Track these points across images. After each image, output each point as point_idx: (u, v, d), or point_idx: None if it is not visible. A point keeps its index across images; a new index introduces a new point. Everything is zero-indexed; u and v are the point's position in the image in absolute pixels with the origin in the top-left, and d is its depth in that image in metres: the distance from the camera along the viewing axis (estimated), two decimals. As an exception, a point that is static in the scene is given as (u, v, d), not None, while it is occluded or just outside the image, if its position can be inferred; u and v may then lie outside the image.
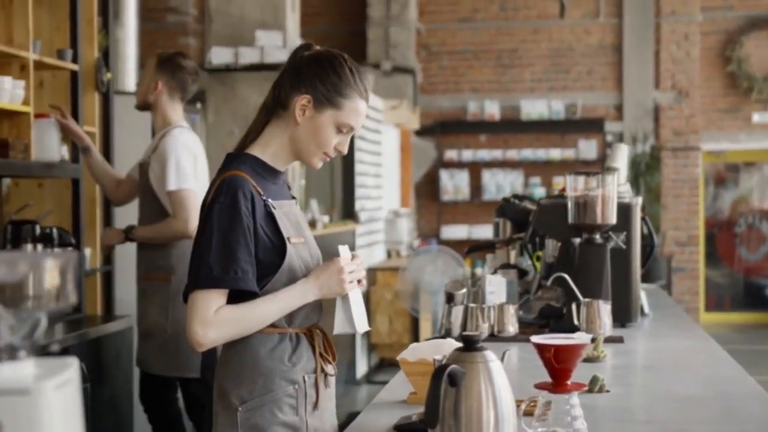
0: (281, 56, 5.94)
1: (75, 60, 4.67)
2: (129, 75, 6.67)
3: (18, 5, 4.29)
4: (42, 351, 1.02)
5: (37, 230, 4.30)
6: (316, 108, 2.29)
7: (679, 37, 11.57)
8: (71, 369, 1.01)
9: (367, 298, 8.34)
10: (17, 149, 4.21)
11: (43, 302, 0.99)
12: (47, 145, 4.41)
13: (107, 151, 5.15)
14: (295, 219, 2.35)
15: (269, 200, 2.28)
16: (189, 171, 4.29)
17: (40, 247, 4.26)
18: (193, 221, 4.16)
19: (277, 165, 2.36)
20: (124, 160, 5.24)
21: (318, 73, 2.29)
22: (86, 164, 4.62)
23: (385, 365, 8.72)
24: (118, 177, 4.64)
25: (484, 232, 11.31)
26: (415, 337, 8.37)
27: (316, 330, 2.37)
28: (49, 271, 0.99)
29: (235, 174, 2.26)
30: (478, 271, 9.73)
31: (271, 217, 2.26)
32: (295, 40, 6.21)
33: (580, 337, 2.03)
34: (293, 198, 2.44)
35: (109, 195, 4.71)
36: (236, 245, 2.20)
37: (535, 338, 2.01)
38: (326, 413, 2.37)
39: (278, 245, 2.26)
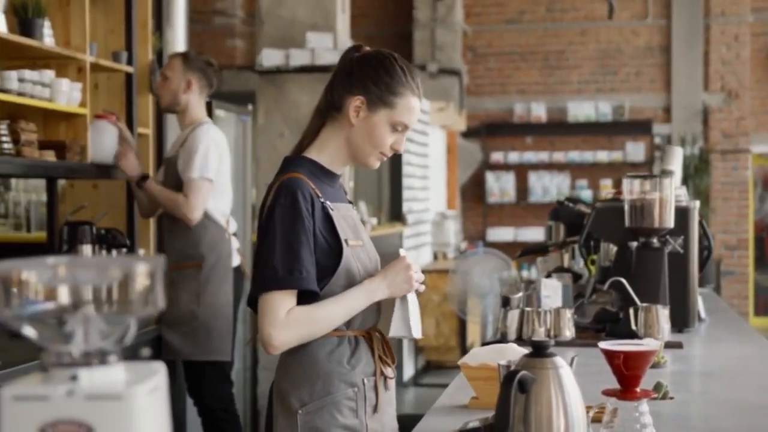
0: (332, 58, 5.95)
1: (130, 62, 4.71)
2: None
3: (75, 8, 4.33)
4: (131, 356, 1.02)
5: (93, 231, 4.33)
6: (370, 108, 2.29)
7: (728, 39, 11.45)
8: (160, 374, 1.01)
9: (414, 300, 8.33)
10: (74, 151, 4.25)
11: (133, 307, 0.99)
12: (102, 146, 4.44)
13: (160, 153, 5.18)
14: (353, 222, 2.36)
15: (327, 202, 2.28)
16: (213, 164, 4.39)
17: (95, 248, 4.29)
18: (198, 210, 4.34)
19: (334, 168, 2.36)
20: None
21: (369, 73, 2.30)
22: (144, 194, 4.55)
23: (431, 368, 8.70)
24: None
25: (530, 234, 11.25)
26: (463, 340, 8.34)
27: (375, 333, 2.37)
28: (138, 276, 0.99)
29: (294, 176, 2.26)
30: (525, 274, 9.69)
31: (328, 219, 2.26)
32: (346, 42, 6.22)
33: (648, 343, 2.01)
34: (350, 202, 2.45)
35: (143, 209, 4.70)
36: (299, 246, 2.21)
37: (603, 344, 1.98)
38: (386, 416, 2.36)
39: (335, 247, 2.26)
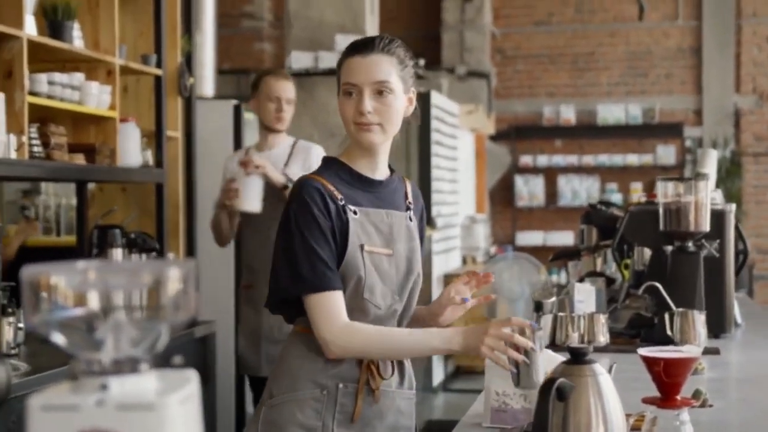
0: (361, 61, 5.92)
1: (159, 65, 4.70)
2: (207, 80, 6.70)
3: (104, 11, 4.32)
4: (163, 364, 0.98)
5: (123, 235, 4.32)
6: (340, 95, 2.30)
7: (760, 40, 11.33)
8: (192, 383, 0.97)
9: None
10: (103, 154, 4.24)
11: (165, 313, 0.96)
12: (131, 149, 4.44)
13: (189, 155, 5.17)
14: (388, 229, 2.32)
15: (349, 206, 2.27)
16: None
17: (125, 252, 4.28)
18: None
19: (363, 170, 2.34)
20: (205, 163, 5.26)
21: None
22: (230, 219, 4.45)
23: (461, 373, 8.65)
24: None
25: (559, 238, 11.18)
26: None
27: None
28: (170, 281, 0.96)
29: (308, 178, 2.29)
30: (555, 278, 9.62)
31: (343, 222, 2.25)
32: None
33: (689, 350, 1.96)
34: (407, 209, 2.41)
35: (225, 236, 4.43)
36: (319, 247, 2.21)
37: (643, 351, 1.93)
38: (368, 429, 2.29)
39: (343, 250, 2.25)
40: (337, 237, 2.24)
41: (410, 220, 2.40)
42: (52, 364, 3.22)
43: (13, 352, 3.48)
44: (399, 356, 2.27)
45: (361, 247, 2.25)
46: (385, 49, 2.28)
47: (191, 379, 0.98)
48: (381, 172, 2.37)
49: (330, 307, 2.19)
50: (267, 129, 4.39)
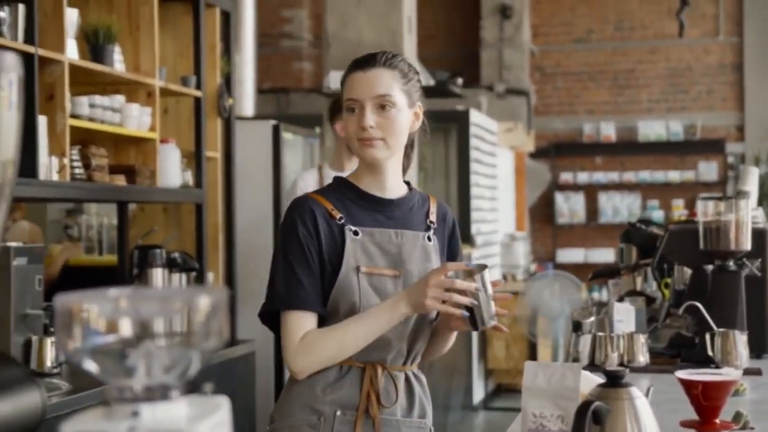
0: (399, 80, 5.93)
1: (198, 87, 4.74)
2: (247, 100, 6.75)
3: (144, 34, 4.37)
4: (193, 390, 0.99)
5: (163, 255, 4.36)
6: (343, 113, 2.30)
7: (803, 55, 11.22)
8: (223, 410, 0.98)
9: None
10: (143, 175, 4.28)
11: (196, 340, 0.97)
12: (171, 170, 4.48)
13: (228, 176, 5.20)
14: (397, 250, 2.27)
15: (349, 226, 2.24)
16: None
17: (166, 272, 4.31)
18: None
19: (372, 189, 2.31)
20: (245, 183, 5.28)
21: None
22: None
23: (502, 391, 8.61)
24: None
25: (600, 255, 11.11)
26: (533, 363, 8.22)
27: (377, 367, 2.25)
28: (201, 309, 0.96)
29: (305, 197, 2.30)
30: (596, 295, 9.56)
31: (340, 243, 2.23)
32: (412, 64, 6.20)
33: (728, 373, 1.94)
34: (428, 229, 2.35)
35: None
36: (297, 266, 2.20)
37: (681, 373, 1.92)
38: None
39: (338, 271, 2.22)
40: (330, 257, 2.22)
41: (428, 240, 2.34)
42: (93, 383, 3.25)
43: (55, 371, 3.52)
44: (362, 344, 2.18)
45: (357, 268, 2.21)
46: (386, 63, 2.27)
47: (222, 406, 0.98)
48: (392, 191, 2.33)
49: (292, 327, 2.18)
50: (352, 151, 4.46)
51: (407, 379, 2.30)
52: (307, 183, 4.36)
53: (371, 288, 2.22)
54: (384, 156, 2.27)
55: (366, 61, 2.27)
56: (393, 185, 2.33)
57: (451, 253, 2.39)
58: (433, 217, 2.37)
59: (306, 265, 2.21)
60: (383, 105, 2.23)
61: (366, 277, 2.22)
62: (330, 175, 4.49)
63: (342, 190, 2.31)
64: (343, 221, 2.25)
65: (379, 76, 2.24)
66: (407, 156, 2.40)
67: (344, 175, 4.44)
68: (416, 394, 2.31)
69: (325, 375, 2.22)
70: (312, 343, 2.18)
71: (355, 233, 2.24)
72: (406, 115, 2.28)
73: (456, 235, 2.43)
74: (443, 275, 2.11)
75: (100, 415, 0.93)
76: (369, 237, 2.25)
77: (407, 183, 2.39)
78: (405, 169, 2.40)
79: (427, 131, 2.39)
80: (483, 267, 2.15)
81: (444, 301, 2.11)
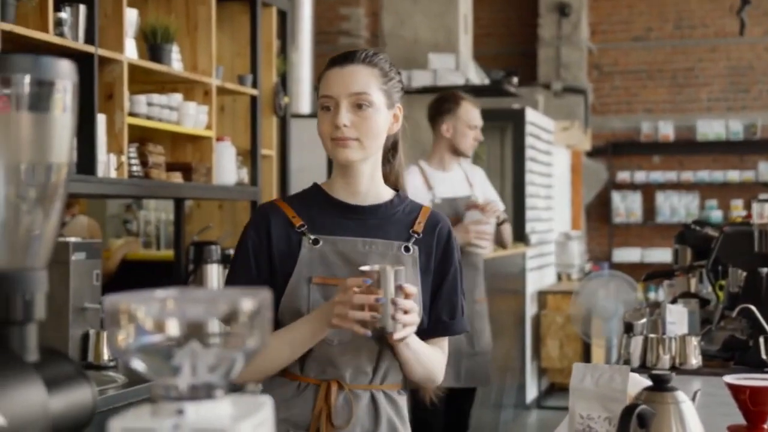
0: (454, 79, 5.94)
1: (255, 85, 4.79)
2: (304, 98, 6.80)
3: (202, 33, 4.43)
4: (237, 390, 1.02)
5: (218, 251, 4.41)
6: (318, 111, 2.21)
7: None
8: (265, 409, 1.01)
9: (537, 321, 8.23)
10: (200, 172, 4.34)
11: (239, 341, 0.99)
12: (227, 168, 4.53)
13: (284, 174, 5.25)
14: (362, 260, 2.12)
15: (309, 235, 2.14)
16: None
17: (221, 268, 4.37)
18: None
19: (342, 195, 2.20)
20: (299, 181, 5.32)
21: None
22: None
23: (555, 390, 8.58)
24: None
25: (657, 255, 11.01)
26: (587, 363, 8.19)
27: (332, 384, 2.12)
28: (246, 310, 0.99)
29: (271, 202, 2.25)
30: (652, 295, 9.48)
31: (296, 251, 2.14)
32: (468, 63, 6.20)
33: (777, 378, 1.93)
34: (409, 239, 2.19)
35: None
36: (240, 272, 2.16)
37: (729, 378, 1.91)
38: None
39: (286, 281, 2.13)
40: (284, 266, 2.12)
41: (405, 250, 2.17)
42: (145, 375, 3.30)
43: (111, 364, 3.59)
44: (288, 355, 2.07)
45: (309, 279, 2.11)
46: (365, 60, 2.16)
47: (265, 405, 1.01)
48: (366, 197, 2.20)
49: None
50: (454, 152, 4.54)
51: (373, 400, 2.15)
52: (415, 184, 4.43)
53: (324, 299, 2.10)
54: (358, 157, 2.14)
55: (344, 58, 2.17)
56: (368, 190, 2.20)
57: (442, 265, 2.22)
58: (419, 227, 2.21)
59: (246, 271, 2.14)
60: (359, 104, 2.12)
61: (319, 287, 2.11)
62: (432, 174, 4.55)
63: (312, 196, 2.22)
64: (303, 229, 2.15)
65: (357, 72, 2.14)
66: (389, 161, 2.27)
67: (446, 174, 4.57)
68: (383, 416, 2.15)
69: (282, 392, 2.13)
70: None
71: (315, 242, 2.14)
72: (384, 115, 2.16)
73: (451, 247, 2.24)
74: (349, 291, 1.98)
75: (146, 412, 0.96)
76: (331, 246, 2.14)
77: (397, 191, 2.26)
78: (391, 176, 2.28)
79: (407, 135, 2.28)
80: (395, 270, 1.99)
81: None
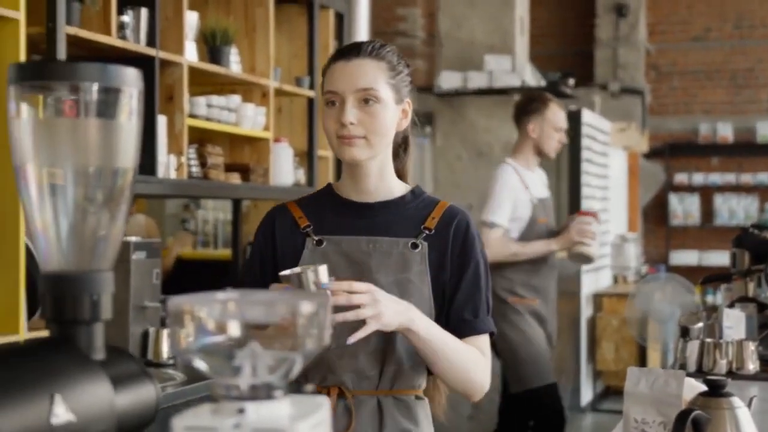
0: (510, 81, 5.93)
1: (312, 87, 4.83)
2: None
3: (260, 35, 4.48)
4: (296, 390, 1.05)
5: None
6: (323, 107, 2.11)
7: None
8: (323, 409, 1.03)
9: (593, 324, 8.19)
10: (257, 173, 4.39)
11: (299, 343, 1.02)
12: (284, 169, 4.58)
13: (339, 174, 5.28)
14: (366, 259, 2.05)
15: (313, 236, 2.07)
16: None
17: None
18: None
19: (350, 194, 2.12)
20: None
21: None
22: None
23: (610, 393, 8.53)
24: None
25: (715, 258, 10.88)
26: (643, 366, 8.13)
27: (333, 392, 2.06)
28: (304, 313, 1.01)
29: (282, 204, 2.17)
30: (709, 299, 9.37)
31: (301, 252, 2.07)
32: (524, 64, 6.19)
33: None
34: (419, 235, 2.08)
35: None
36: (246, 277, 2.15)
37: (785, 384, 1.90)
38: None
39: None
40: (285, 267, 2.00)
41: (414, 247, 2.07)
42: (205, 375, 3.34)
43: (170, 362, 3.65)
44: None
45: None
46: (372, 53, 2.05)
47: (323, 405, 1.03)
48: (377, 195, 2.11)
49: None
50: (538, 153, 4.57)
51: (379, 405, 2.06)
52: (513, 183, 4.47)
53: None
54: (365, 156, 2.05)
55: (350, 50, 2.07)
56: (377, 188, 2.11)
57: (461, 259, 2.10)
58: (431, 223, 2.10)
59: (252, 274, 2.13)
60: (366, 99, 2.02)
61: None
62: (523, 174, 4.57)
63: (324, 196, 2.16)
64: (307, 230, 2.09)
65: (363, 66, 2.04)
66: (399, 157, 2.19)
67: (532, 174, 4.60)
68: (388, 422, 2.06)
69: None
70: None
71: (318, 243, 2.07)
72: (393, 111, 2.06)
73: (470, 241, 2.11)
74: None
75: (207, 411, 0.99)
76: (335, 246, 2.07)
77: (414, 187, 2.18)
78: (402, 173, 2.20)
79: (419, 131, 2.22)
80: (315, 269, 1.89)
81: None
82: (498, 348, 4.52)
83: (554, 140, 4.54)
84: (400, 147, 2.19)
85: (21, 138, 1.04)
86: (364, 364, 2.04)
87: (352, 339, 1.87)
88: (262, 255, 2.12)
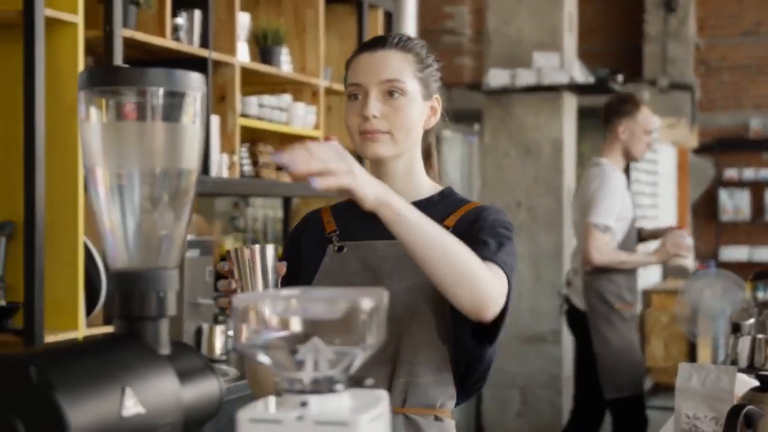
0: (558, 77, 5.93)
1: (360, 85, 4.86)
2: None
3: (310, 35, 4.52)
4: (357, 384, 1.08)
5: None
6: (345, 102, 2.01)
7: None
8: (383, 403, 1.06)
9: (642, 320, 8.15)
10: (308, 172, 4.43)
11: (358, 338, 1.05)
12: (334, 167, 4.61)
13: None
14: (380, 263, 1.94)
15: (335, 241, 1.98)
16: None
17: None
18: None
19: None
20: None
21: None
22: None
23: (660, 389, 8.48)
24: None
25: (766, 254, 10.78)
26: (692, 362, 8.06)
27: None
28: (364, 309, 1.05)
29: (318, 208, 2.10)
30: (760, 295, 9.28)
31: (321, 256, 1.99)
32: (572, 61, 6.18)
33: None
34: None
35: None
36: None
37: (837, 380, 1.90)
38: None
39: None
40: (310, 272, 1.97)
41: None
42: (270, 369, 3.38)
43: (223, 358, 3.70)
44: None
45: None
46: (399, 44, 1.93)
47: (382, 399, 1.06)
48: (403, 197, 1.80)
49: None
50: (626, 155, 4.56)
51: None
52: (620, 183, 4.50)
53: None
54: (388, 153, 1.91)
55: (375, 42, 1.95)
56: (405, 190, 1.93)
57: (475, 225, 1.91)
58: (451, 221, 1.93)
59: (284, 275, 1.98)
60: (391, 91, 1.89)
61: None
62: (612, 171, 4.58)
63: (354, 201, 1.99)
64: (332, 236, 1.99)
65: (389, 58, 1.91)
66: (428, 158, 2.05)
67: (622, 175, 4.57)
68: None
69: None
70: None
71: (339, 249, 1.96)
72: (420, 107, 1.93)
73: (483, 216, 1.92)
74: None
75: (273, 403, 1.02)
76: (354, 252, 1.96)
77: (444, 188, 2.04)
78: (434, 175, 2.07)
79: (449, 126, 2.06)
80: (249, 248, 1.82)
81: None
82: (598, 352, 4.53)
83: (643, 143, 4.52)
84: (429, 146, 2.05)
85: (90, 141, 1.08)
86: (370, 375, 1.95)
87: (318, 183, 1.70)
88: (289, 258, 1.98)
